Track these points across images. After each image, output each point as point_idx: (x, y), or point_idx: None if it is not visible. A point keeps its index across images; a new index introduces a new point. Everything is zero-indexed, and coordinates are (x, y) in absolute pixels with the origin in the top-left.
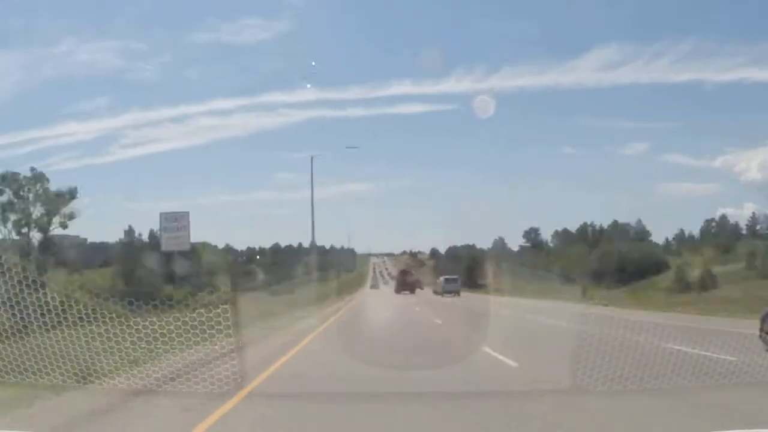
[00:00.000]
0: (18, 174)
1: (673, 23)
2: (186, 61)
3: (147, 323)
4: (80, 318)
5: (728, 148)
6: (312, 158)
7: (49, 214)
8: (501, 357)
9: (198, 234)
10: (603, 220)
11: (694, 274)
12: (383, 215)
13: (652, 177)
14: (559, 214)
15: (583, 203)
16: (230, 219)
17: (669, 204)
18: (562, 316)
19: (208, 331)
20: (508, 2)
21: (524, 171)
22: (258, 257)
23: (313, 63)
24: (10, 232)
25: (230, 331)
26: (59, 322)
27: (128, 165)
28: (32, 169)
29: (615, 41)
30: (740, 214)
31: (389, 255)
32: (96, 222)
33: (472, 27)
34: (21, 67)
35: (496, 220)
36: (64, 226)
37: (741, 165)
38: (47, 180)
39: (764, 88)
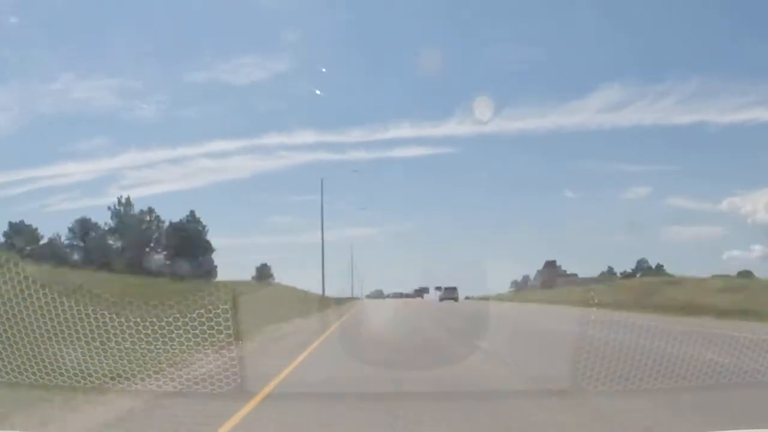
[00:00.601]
0: None
1: (678, 62)
2: (183, 100)
3: None
4: None
5: (733, 190)
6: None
7: None
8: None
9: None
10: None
11: None
12: (388, 258)
13: (655, 221)
14: (560, 257)
15: (585, 249)
16: (230, 263)
17: (674, 248)
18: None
19: None
20: (510, 42)
21: (524, 215)
22: None
23: (318, 92)
24: None
25: None
26: None
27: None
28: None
29: (618, 81)
30: (747, 256)
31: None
32: None
33: (473, 66)
34: (16, 102)
35: (494, 264)
36: None
37: (747, 207)
38: None
39: None
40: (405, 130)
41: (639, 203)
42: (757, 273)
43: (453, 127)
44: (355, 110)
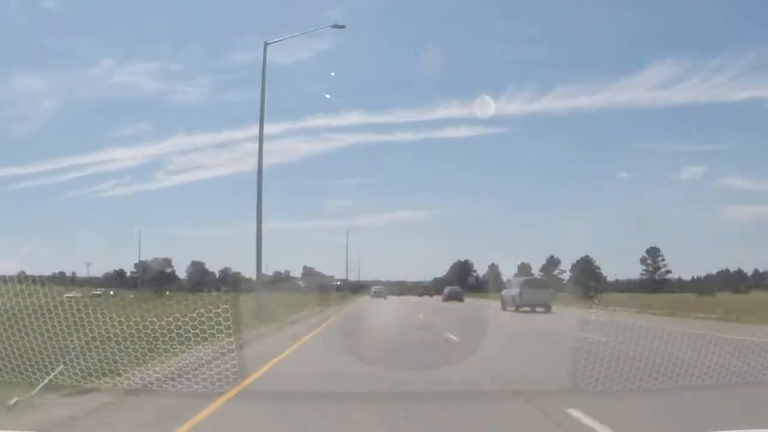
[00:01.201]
0: None
1: (733, 35)
2: (226, 82)
3: None
4: None
5: None
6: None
7: None
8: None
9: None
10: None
11: None
12: (434, 243)
13: (711, 202)
14: (611, 241)
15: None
16: (283, 246)
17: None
18: None
19: None
20: (555, 21)
21: (577, 197)
22: None
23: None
24: None
25: None
26: None
27: (175, 191)
28: None
29: (672, 56)
30: None
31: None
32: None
33: (520, 45)
34: (58, 90)
35: (551, 246)
36: None
37: None
38: None
39: None
40: (454, 110)
41: (694, 183)
42: None
43: (502, 106)
44: (401, 90)
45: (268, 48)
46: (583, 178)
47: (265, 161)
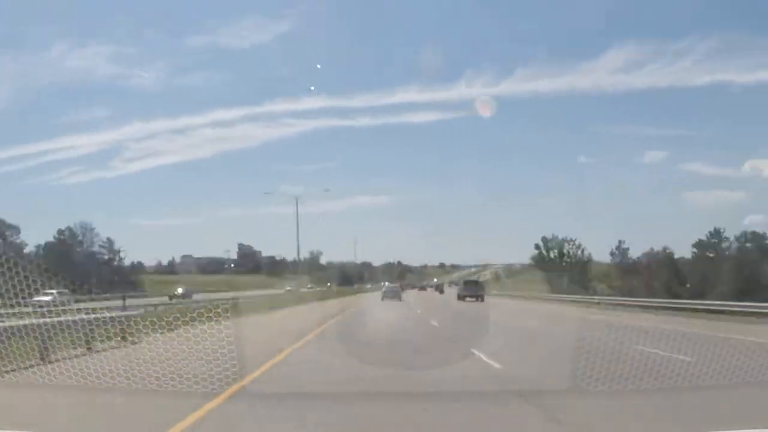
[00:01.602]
0: None
1: (698, 18)
2: (184, 67)
3: None
4: None
5: (755, 152)
6: None
7: None
8: None
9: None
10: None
11: None
12: (394, 228)
13: (674, 186)
14: (573, 228)
15: (601, 215)
16: (243, 232)
17: (694, 214)
18: None
19: None
20: (514, 4)
21: (538, 182)
22: None
23: (318, 66)
24: None
25: None
26: None
27: (132, 179)
28: None
29: (633, 40)
30: None
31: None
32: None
33: (480, 28)
34: (13, 75)
35: (508, 233)
36: None
37: None
38: None
39: None
40: (413, 94)
41: (656, 167)
42: None
43: (462, 91)
44: (361, 75)
45: (223, 31)
46: (546, 162)
47: (224, 147)
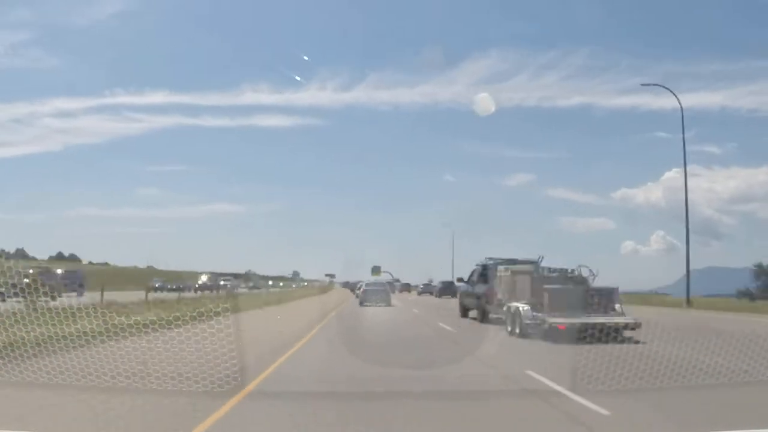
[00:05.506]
0: None
1: (567, 34)
2: (9, 45)
3: None
4: None
5: (623, 181)
6: None
7: None
8: None
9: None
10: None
11: None
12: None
13: (543, 211)
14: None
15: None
16: (99, 235)
17: (570, 240)
18: None
19: None
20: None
21: (402, 198)
22: None
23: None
24: None
25: None
26: None
27: None
28: None
29: (497, 50)
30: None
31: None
32: None
33: (335, 28)
34: None
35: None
36: None
37: (640, 198)
38: None
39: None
40: (263, 95)
41: (522, 190)
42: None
43: (315, 93)
44: (208, 70)
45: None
46: (407, 178)
47: (70, 140)
